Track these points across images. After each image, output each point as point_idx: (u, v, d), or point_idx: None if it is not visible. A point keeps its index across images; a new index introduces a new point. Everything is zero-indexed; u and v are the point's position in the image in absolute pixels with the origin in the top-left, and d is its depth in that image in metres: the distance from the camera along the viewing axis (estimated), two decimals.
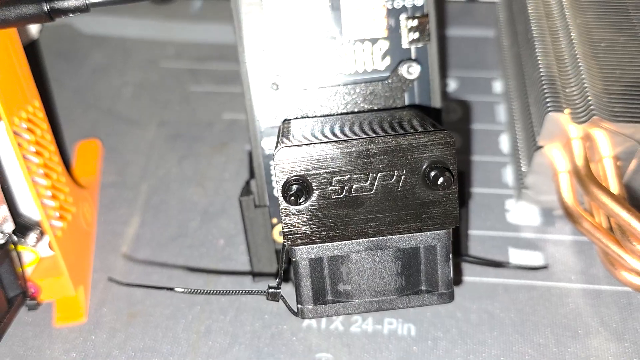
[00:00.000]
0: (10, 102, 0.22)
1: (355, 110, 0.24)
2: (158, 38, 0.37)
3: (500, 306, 0.25)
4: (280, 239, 0.25)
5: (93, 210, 0.29)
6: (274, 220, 0.25)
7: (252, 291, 0.20)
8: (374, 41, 0.24)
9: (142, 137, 0.32)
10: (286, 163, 0.18)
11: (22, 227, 0.24)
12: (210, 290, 0.22)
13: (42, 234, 0.25)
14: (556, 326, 0.24)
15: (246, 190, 0.25)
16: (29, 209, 0.24)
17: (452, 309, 0.25)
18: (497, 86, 0.33)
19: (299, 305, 0.19)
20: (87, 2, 0.21)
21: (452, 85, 0.33)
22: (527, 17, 0.28)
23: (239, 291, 0.21)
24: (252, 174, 0.26)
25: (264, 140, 0.24)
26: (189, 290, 0.22)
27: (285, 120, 0.23)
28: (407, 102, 0.24)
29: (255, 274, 0.26)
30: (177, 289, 0.22)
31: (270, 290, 0.20)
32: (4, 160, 0.23)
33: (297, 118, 0.23)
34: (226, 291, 0.21)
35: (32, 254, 0.24)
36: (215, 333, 0.25)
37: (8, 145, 0.22)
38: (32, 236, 0.24)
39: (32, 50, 0.28)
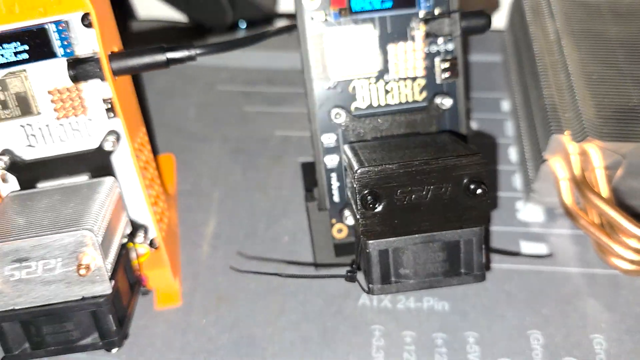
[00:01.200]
0: (131, 129, 0.29)
1: (400, 132, 0.30)
2: (213, 64, 0.43)
3: (514, 287, 0.31)
4: (337, 235, 0.32)
5: (176, 214, 0.35)
6: (333, 221, 0.31)
7: (336, 275, 0.27)
8: (414, 78, 0.30)
9: (209, 152, 0.38)
10: (364, 180, 0.24)
11: (134, 229, 0.30)
12: (305, 275, 0.29)
13: (146, 234, 0.31)
14: (559, 302, 0.31)
15: (310, 197, 0.32)
16: (138, 214, 0.30)
17: (477, 289, 0.31)
18: (505, 105, 0.40)
19: (369, 285, 0.26)
20: (195, 52, 0.27)
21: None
22: (533, 53, 0.34)
23: (326, 275, 0.27)
24: (311, 184, 0.32)
25: (326, 157, 0.30)
26: (290, 275, 0.28)
27: (350, 142, 0.29)
28: (440, 128, 0.30)
29: (317, 265, 0.32)
30: (281, 274, 0.28)
31: (349, 273, 0.26)
32: (123, 176, 0.29)
33: (358, 142, 0.29)
34: (317, 275, 0.28)
35: (143, 249, 0.30)
36: (288, 312, 0.31)
37: (130, 164, 0.29)
38: (140, 236, 0.30)
39: None
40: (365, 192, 0.24)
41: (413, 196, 0.24)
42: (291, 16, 0.45)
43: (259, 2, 0.45)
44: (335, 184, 0.31)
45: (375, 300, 0.31)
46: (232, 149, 0.39)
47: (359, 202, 0.24)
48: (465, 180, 0.25)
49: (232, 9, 0.44)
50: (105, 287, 0.25)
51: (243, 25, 0.46)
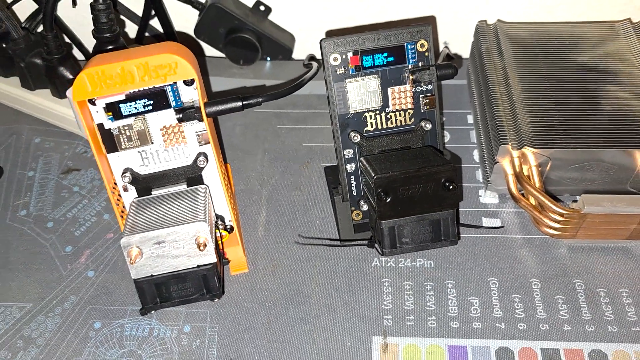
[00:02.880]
0: (216, 151, 0.42)
1: (397, 147, 0.44)
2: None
3: (478, 249, 0.45)
4: (356, 218, 0.45)
5: (237, 208, 0.49)
6: (352, 209, 0.45)
7: (362, 243, 0.41)
8: (405, 110, 0.44)
9: (254, 161, 0.52)
10: (378, 182, 0.38)
11: (217, 219, 0.43)
12: (347, 241, 0.42)
13: (224, 222, 0.44)
14: (508, 258, 0.45)
15: (336, 192, 0.45)
16: (219, 208, 0.44)
17: (452, 252, 0.45)
18: (469, 118, 0.54)
19: (383, 249, 0.40)
20: (261, 99, 0.41)
21: (443, 118, 0.53)
22: (488, 82, 0.48)
23: (356, 243, 0.41)
24: (334, 183, 0.46)
25: (347, 165, 0.44)
26: (341, 242, 0.42)
27: (364, 155, 0.43)
28: (424, 143, 0.44)
29: (342, 240, 0.46)
30: (338, 242, 0.42)
31: (370, 242, 0.40)
32: (210, 183, 0.42)
33: (368, 154, 0.43)
34: (353, 242, 0.41)
35: (224, 233, 0.44)
36: (324, 272, 0.45)
37: (216, 175, 0.42)
38: (221, 224, 0.44)
39: None
40: (379, 190, 0.38)
41: (410, 191, 0.38)
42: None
43: (282, 42, 0.58)
44: (353, 183, 0.44)
45: (384, 262, 0.45)
46: (271, 158, 0.52)
47: (375, 197, 0.38)
48: (442, 180, 0.38)
49: (261, 48, 0.57)
50: (212, 258, 0.38)
51: (268, 61, 0.59)
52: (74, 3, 0.56)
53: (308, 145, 0.53)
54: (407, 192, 0.38)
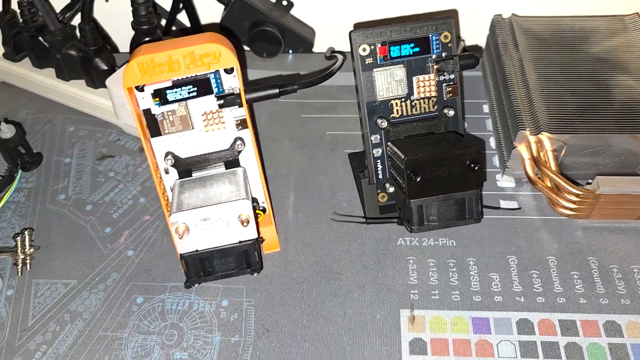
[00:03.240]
0: (253, 137, 0.44)
1: (421, 133, 0.46)
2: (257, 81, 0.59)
3: (497, 229, 0.48)
4: (381, 200, 0.48)
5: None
6: (378, 191, 0.48)
7: (392, 221, 0.43)
8: (429, 98, 0.46)
9: (281, 147, 0.55)
10: (408, 164, 0.41)
11: (253, 200, 0.46)
12: (378, 219, 0.45)
13: (258, 203, 0.47)
14: (526, 237, 0.47)
15: (363, 176, 0.48)
16: (255, 190, 0.46)
17: (473, 232, 0.48)
18: (485, 107, 0.57)
19: (411, 227, 0.42)
20: (296, 87, 0.43)
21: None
22: (505, 74, 0.51)
23: (388, 221, 0.44)
24: (359, 167, 0.48)
25: (374, 150, 0.47)
26: (370, 218, 0.45)
27: (391, 140, 0.45)
28: (447, 129, 0.46)
29: (367, 219, 0.48)
30: (371, 220, 0.45)
31: (399, 220, 0.43)
32: (247, 166, 0.45)
33: (395, 140, 0.46)
34: (384, 219, 0.44)
35: (259, 213, 0.46)
36: (353, 250, 0.47)
37: (252, 158, 0.44)
38: (256, 204, 0.46)
39: None
40: (409, 171, 0.41)
41: (437, 172, 0.41)
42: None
43: (304, 36, 0.61)
44: (379, 167, 0.47)
45: (408, 241, 0.48)
46: (297, 145, 0.55)
47: (405, 177, 0.41)
48: (467, 162, 0.41)
49: (284, 42, 0.60)
50: (253, 234, 0.41)
51: (290, 53, 0.62)
52: None
53: (332, 133, 0.55)
54: (434, 172, 0.41)
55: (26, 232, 0.48)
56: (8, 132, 0.50)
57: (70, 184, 0.53)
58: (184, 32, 0.60)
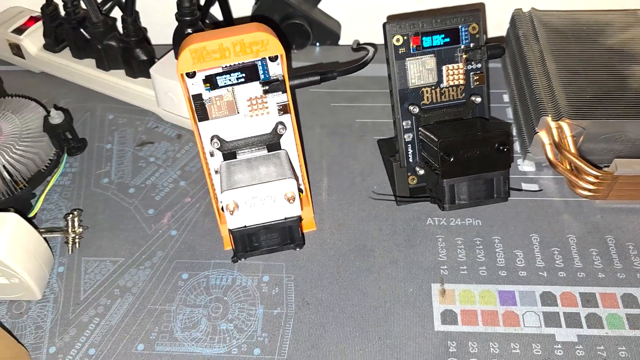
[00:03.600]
0: (294, 121, 0.47)
1: (450, 118, 0.49)
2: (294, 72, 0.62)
3: (520, 209, 0.51)
4: (411, 183, 0.51)
5: None
6: (408, 174, 0.51)
7: (425, 200, 0.46)
8: (457, 85, 0.49)
9: (313, 134, 0.58)
10: (442, 145, 0.44)
11: None
12: (412, 197, 0.48)
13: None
14: (547, 217, 0.51)
15: (394, 159, 0.51)
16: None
17: (497, 212, 0.51)
18: (505, 97, 0.60)
19: (444, 205, 0.45)
20: (335, 74, 0.46)
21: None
22: (526, 64, 0.54)
23: (420, 200, 0.47)
24: (389, 152, 0.51)
25: (405, 135, 0.50)
26: (402, 197, 0.48)
27: (422, 126, 0.48)
28: (474, 115, 0.49)
29: (398, 200, 0.51)
30: (400, 201, 0.48)
31: (432, 198, 0.46)
32: (287, 148, 0.48)
33: (425, 125, 0.49)
34: (417, 198, 0.48)
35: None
36: (384, 229, 0.50)
37: (292, 141, 0.47)
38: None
39: None
40: (443, 152, 0.44)
41: (469, 153, 0.44)
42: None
43: (331, 29, 0.64)
44: (410, 151, 0.50)
45: (437, 221, 0.51)
46: (328, 132, 0.58)
47: (439, 158, 0.44)
48: (496, 144, 0.44)
49: (312, 35, 0.63)
50: (298, 211, 0.44)
51: (317, 46, 0.65)
52: None
53: (361, 121, 0.58)
54: (466, 154, 0.44)
55: (75, 213, 0.51)
56: (57, 117, 0.52)
57: (112, 169, 0.56)
58: (216, 25, 0.63)
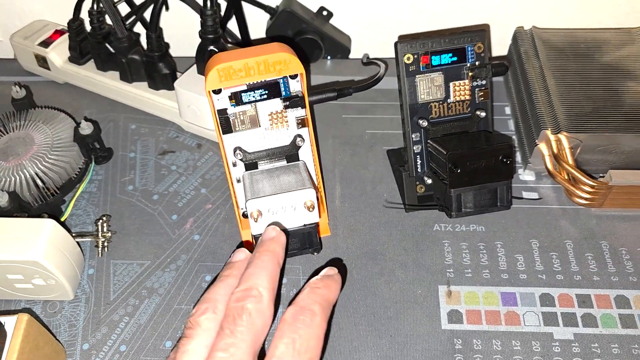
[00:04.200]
0: (312, 134, 0.51)
1: (456, 131, 0.53)
2: (310, 85, 0.65)
3: (520, 217, 0.55)
4: (420, 191, 0.55)
5: None
6: (417, 183, 0.54)
7: (433, 208, 0.50)
8: (464, 101, 0.53)
9: (326, 144, 0.61)
10: (451, 158, 0.47)
11: None
12: (421, 206, 0.52)
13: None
14: (546, 224, 0.54)
15: (403, 169, 0.54)
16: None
17: (499, 219, 0.54)
18: (507, 109, 0.63)
19: (451, 212, 0.49)
20: (351, 90, 0.50)
21: None
22: (527, 80, 0.58)
23: (428, 208, 0.50)
24: (398, 162, 0.55)
25: (414, 147, 0.53)
26: (412, 205, 0.51)
27: (431, 138, 0.52)
28: (478, 129, 0.53)
29: (407, 208, 0.55)
30: (408, 208, 0.51)
31: (440, 207, 0.49)
32: (305, 159, 0.51)
33: (434, 138, 0.52)
34: (424, 206, 0.51)
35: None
36: (394, 235, 0.54)
37: (309, 153, 0.51)
38: None
39: None
40: (451, 164, 0.47)
41: (475, 165, 0.48)
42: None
43: (342, 43, 0.67)
44: (418, 162, 0.54)
45: (443, 227, 0.54)
46: (340, 142, 0.61)
47: (447, 169, 0.47)
48: (500, 157, 0.48)
49: (324, 48, 0.66)
50: (316, 218, 0.47)
51: (329, 59, 0.68)
52: (167, 8, 0.65)
53: (371, 132, 0.62)
54: (472, 165, 0.47)
55: (104, 218, 0.54)
56: (87, 128, 0.56)
57: (136, 176, 0.59)
58: (236, 44, 0.67)
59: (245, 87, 0.47)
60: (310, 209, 0.46)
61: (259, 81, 0.47)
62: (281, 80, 0.48)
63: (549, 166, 0.54)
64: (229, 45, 0.57)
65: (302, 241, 0.48)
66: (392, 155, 0.59)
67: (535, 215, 0.55)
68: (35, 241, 0.46)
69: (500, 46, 0.69)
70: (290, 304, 0.37)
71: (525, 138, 0.58)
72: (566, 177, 0.54)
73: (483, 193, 0.49)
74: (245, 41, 0.67)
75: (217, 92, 0.47)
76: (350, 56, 0.70)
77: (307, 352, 0.34)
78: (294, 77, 0.48)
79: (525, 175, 0.58)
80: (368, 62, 0.65)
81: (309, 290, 0.37)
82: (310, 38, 0.65)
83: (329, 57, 0.69)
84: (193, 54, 0.58)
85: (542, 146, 0.54)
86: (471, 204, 0.49)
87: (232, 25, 0.68)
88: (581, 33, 0.61)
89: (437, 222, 0.54)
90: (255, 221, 0.46)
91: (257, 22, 0.69)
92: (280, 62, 0.46)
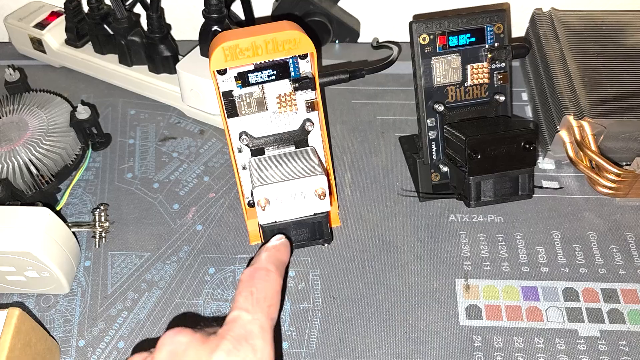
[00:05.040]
0: (322, 118, 0.48)
1: (474, 117, 0.50)
2: (321, 67, 0.62)
3: (541, 207, 0.52)
4: (434, 179, 0.52)
5: None
6: (432, 171, 0.52)
7: (450, 197, 0.47)
8: (482, 84, 0.50)
9: (334, 130, 0.58)
10: (470, 143, 0.44)
11: None
12: (437, 194, 0.49)
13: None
14: (567, 214, 0.51)
15: (418, 156, 0.52)
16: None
17: (518, 209, 0.52)
18: (524, 95, 0.61)
19: (470, 202, 0.46)
20: (364, 72, 0.47)
21: None
22: (547, 63, 0.55)
23: (446, 196, 0.47)
24: (411, 150, 0.52)
25: (429, 132, 0.50)
26: (427, 194, 0.48)
27: (448, 123, 0.49)
28: (497, 114, 0.50)
29: (421, 197, 0.52)
30: (423, 197, 0.49)
31: (458, 195, 0.46)
32: (315, 145, 0.48)
33: (450, 123, 0.49)
34: (443, 194, 0.48)
35: None
36: (408, 225, 0.51)
37: (319, 138, 0.48)
38: None
39: None
40: (470, 150, 0.45)
41: (495, 151, 0.45)
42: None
43: (351, 26, 0.65)
44: (434, 148, 0.51)
45: (459, 217, 0.52)
46: (349, 128, 0.58)
47: (466, 155, 0.45)
48: (523, 143, 0.45)
49: (332, 32, 0.64)
50: (327, 206, 0.44)
51: (337, 43, 0.66)
52: None
53: (381, 118, 0.59)
54: (493, 152, 0.45)
55: (102, 207, 0.51)
56: (84, 113, 0.53)
57: (135, 164, 0.57)
58: (239, 24, 0.64)
59: (252, 67, 0.45)
60: (322, 197, 0.43)
61: (267, 61, 0.44)
62: (290, 60, 0.45)
63: (571, 154, 0.52)
64: (234, 26, 0.54)
65: (312, 231, 0.45)
66: (405, 142, 0.56)
67: (556, 205, 0.52)
68: (28, 231, 0.43)
69: (515, 28, 0.66)
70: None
71: (544, 124, 0.55)
72: (589, 165, 0.51)
73: (504, 181, 0.46)
74: (250, 22, 0.64)
75: (222, 72, 0.44)
76: (360, 40, 0.67)
77: (266, 301, 0.36)
78: (303, 57, 0.45)
79: (545, 163, 0.55)
80: (379, 45, 0.62)
81: (261, 254, 0.40)
82: (318, 20, 0.62)
83: (337, 41, 0.66)
84: (196, 37, 0.55)
85: (564, 133, 0.52)
86: (491, 193, 0.46)
87: (237, 7, 0.65)
88: (601, 15, 0.59)
89: (453, 212, 0.52)
90: (263, 210, 0.43)
91: (263, 3, 0.66)
92: (290, 40, 0.43)
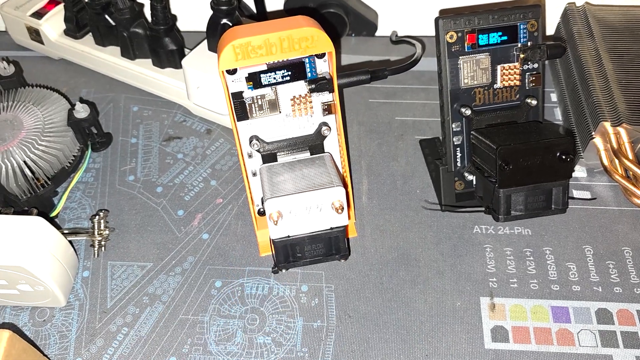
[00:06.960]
0: (339, 122, 0.44)
1: (503, 122, 0.46)
2: (339, 66, 0.58)
3: (571, 219, 0.48)
4: (458, 187, 0.48)
5: None
6: (456, 179, 0.48)
7: (479, 210, 0.44)
8: (512, 87, 0.46)
9: (350, 132, 0.54)
10: (501, 153, 0.41)
11: None
12: (462, 207, 0.46)
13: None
14: (600, 228, 0.48)
15: (441, 163, 0.48)
16: None
17: (547, 222, 0.48)
18: (553, 96, 0.57)
19: (499, 216, 0.42)
20: (386, 73, 0.43)
21: None
22: (581, 64, 0.51)
23: (474, 210, 0.44)
24: (432, 155, 0.48)
25: (454, 138, 0.47)
26: (453, 206, 0.45)
27: (475, 129, 0.45)
28: (527, 119, 0.46)
29: (442, 207, 0.49)
30: (445, 208, 0.45)
31: (487, 208, 0.43)
32: (331, 151, 0.45)
33: (477, 129, 0.46)
34: (469, 208, 0.45)
35: None
36: (429, 237, 0.47)
37: (336, 144, 0.44)
38: None
39: None
40: (501, 161, 0.41)
41: (529, 162, 0.41)
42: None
43: (368, 19, 0.61)
44: (459, 155, 0.47)
45: (484, 229, 0.48)
46: (366, 130, 0.55)
47: (497, 166, 0.41)
48: (558, 154, 0.41)
49: (348, 24, 0.60)
50: (345, 220, 0.41)
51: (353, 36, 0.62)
52: None
53: (400, 119, 0.55)
54: (526, 162, 0.41)
55: (102, 214, 0.48)
56: (83, 112, 0.49)
57: (138, 165, 0.53)
58: (250, 17, 0.60)
59: (264, 67, 0.41)
60: (339, 211, 0.40)
61: (281, 60, 0.41)
62: (307, 59, 0.41)
63: (605, 162, 0.48)
64: (244, 19, 0.50)
65: (328, 246, 0.42)
66: (426, 145, 0.53)
67: (588, 217, 0.48)
68: (20, 243, 0.40)
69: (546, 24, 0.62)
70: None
71: (576, 129, 0.51)
72: (624, 175, 0.47)
73: (536, 194, 0.43)
74: (261, 15, 0.60)
75: (232, 72, 0.41)
76: (377, 34, 0.63)
77: None
78: (321, 56, 0.41)
79: (576, 171, 0.51)
80: (398, 40, 0.58)
81: None
82: (333, 12, 0.58)
83: (353, 35, 0.62)
84: (203, 28, 0.51)
85: (598, 139, 0.48)
86: (522, 207, 0.43)
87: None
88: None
89: (477, 223, 0.48)
90: (275, 224, 0.39)
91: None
92: (307, 38, 0.39)
